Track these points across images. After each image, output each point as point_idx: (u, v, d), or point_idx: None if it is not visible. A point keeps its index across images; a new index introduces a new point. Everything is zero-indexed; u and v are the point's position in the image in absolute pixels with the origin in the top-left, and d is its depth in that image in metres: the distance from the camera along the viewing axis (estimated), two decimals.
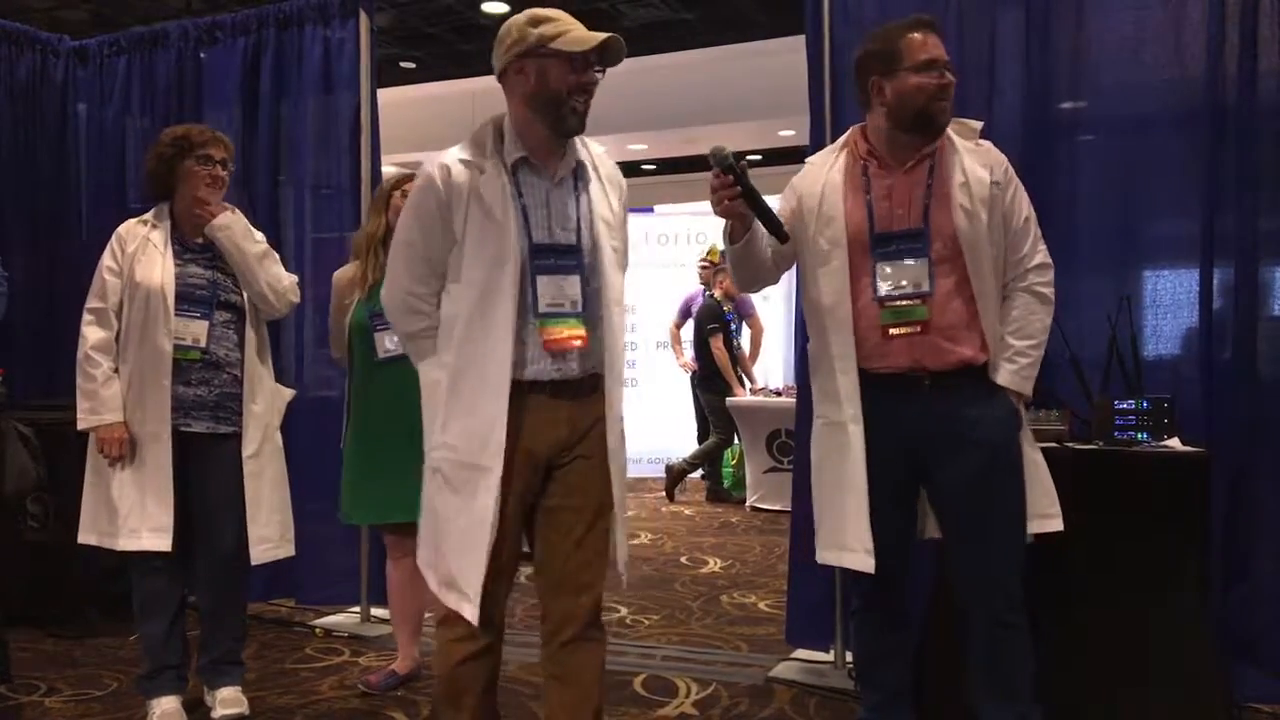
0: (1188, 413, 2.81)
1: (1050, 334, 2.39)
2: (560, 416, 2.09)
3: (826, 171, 2.41)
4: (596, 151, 2.21)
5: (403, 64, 9.32)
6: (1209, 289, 2.89)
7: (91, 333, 2.82)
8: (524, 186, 2.08)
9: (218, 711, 2.89)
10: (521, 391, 2.05)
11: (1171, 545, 2.58)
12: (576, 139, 2.14)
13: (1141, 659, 2.56)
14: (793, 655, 3.40)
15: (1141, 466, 2.63)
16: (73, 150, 4.45)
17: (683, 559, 5.22)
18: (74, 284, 4.33)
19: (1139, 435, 2.70)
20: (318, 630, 3.79)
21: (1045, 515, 2.34)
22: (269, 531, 2.90)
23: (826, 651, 3.33)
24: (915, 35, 2.31)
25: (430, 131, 9.66)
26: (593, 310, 2.10)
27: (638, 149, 10.62)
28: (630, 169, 11.83)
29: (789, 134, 9.10)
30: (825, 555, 2.43)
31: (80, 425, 2.80)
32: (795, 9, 3.43)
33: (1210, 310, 2.89)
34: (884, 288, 2.29)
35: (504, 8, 7.95)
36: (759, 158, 10.53)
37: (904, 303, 2.28)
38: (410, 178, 3.00)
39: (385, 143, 4.04)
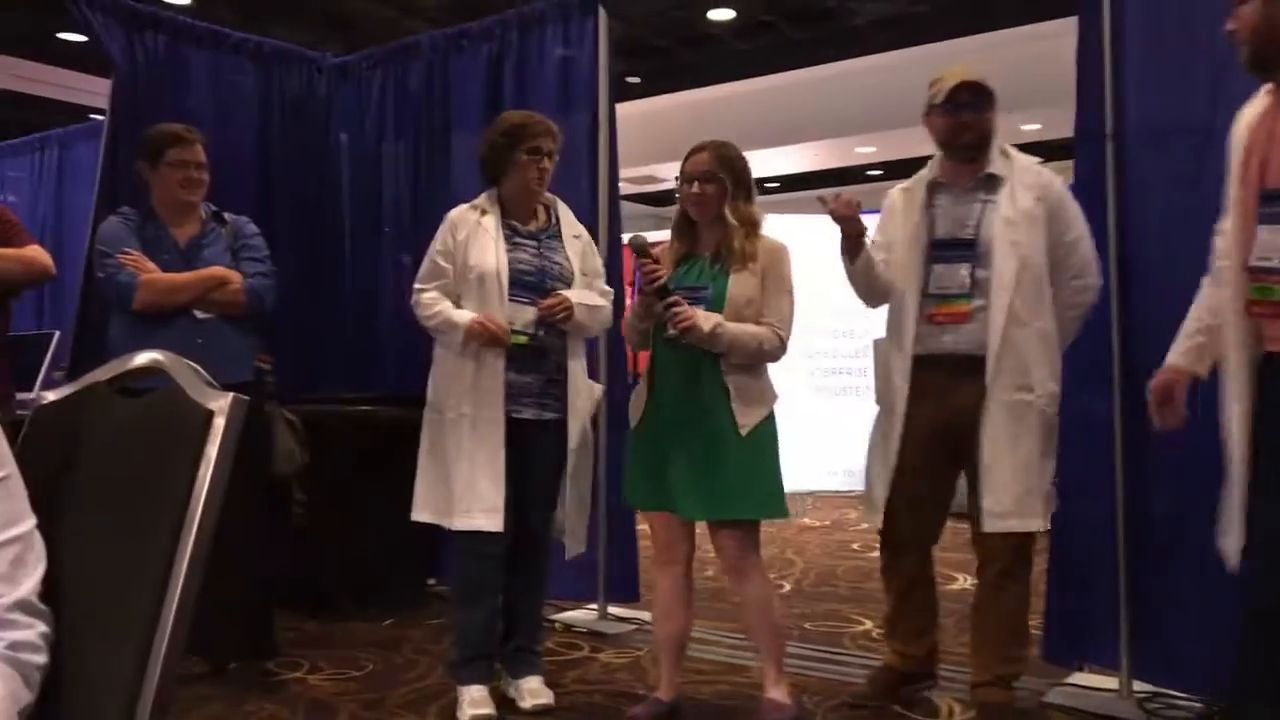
0: None
1: None
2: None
3: None
4: (1022, 164, 2.74)
5: (628, 79, 9.44)
6: None
7: (424, 296, 2.88)
8: (936, 198, 2.79)
9: (526, 701, 2.88)
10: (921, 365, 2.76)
11: None
12: (1000, 156, 2.74)
13: None
14: (1069, 680, 3.06)
15: None
16: (335, 161, 4.71)
17: None
18: (337, 287, 4.63)
19: None
20: (557, 624, 3.78)
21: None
22: (577, 528, 2.94)
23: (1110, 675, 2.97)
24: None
25: (658, 146, 9.76)
26: (981, 292, 2.65)
27: (866, 151, 10.31)
28: (856, 174, 11.52)
29: (1032, 128, 8.54)
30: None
31: (463, 346, 2.81)
32: None
33: None
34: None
35: (730, 14, 7.90)
36: None
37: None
38: (688, 156, 2.79)
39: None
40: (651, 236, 3.01)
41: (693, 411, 2.72)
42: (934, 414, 2.70)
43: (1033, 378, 2.61)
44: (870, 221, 2.75)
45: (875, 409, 2.93)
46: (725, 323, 2.66)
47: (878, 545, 2.99)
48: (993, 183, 2.71)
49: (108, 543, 1.12)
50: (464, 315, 2.80)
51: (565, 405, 2.91)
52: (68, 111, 8.96)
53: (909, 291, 2.73)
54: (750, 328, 2.70)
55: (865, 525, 6.22)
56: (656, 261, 2.70)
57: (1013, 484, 2.59)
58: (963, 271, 2.67)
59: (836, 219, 2.65)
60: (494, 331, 2.77)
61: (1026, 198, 2.66)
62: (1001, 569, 2.67)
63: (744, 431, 2.68)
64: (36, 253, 3.08)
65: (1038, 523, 2.65)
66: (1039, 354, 2.62)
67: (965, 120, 2.70)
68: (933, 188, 2.80)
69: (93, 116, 7.55)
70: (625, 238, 2.85)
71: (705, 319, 2.64)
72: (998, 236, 2.63)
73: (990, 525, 2.60)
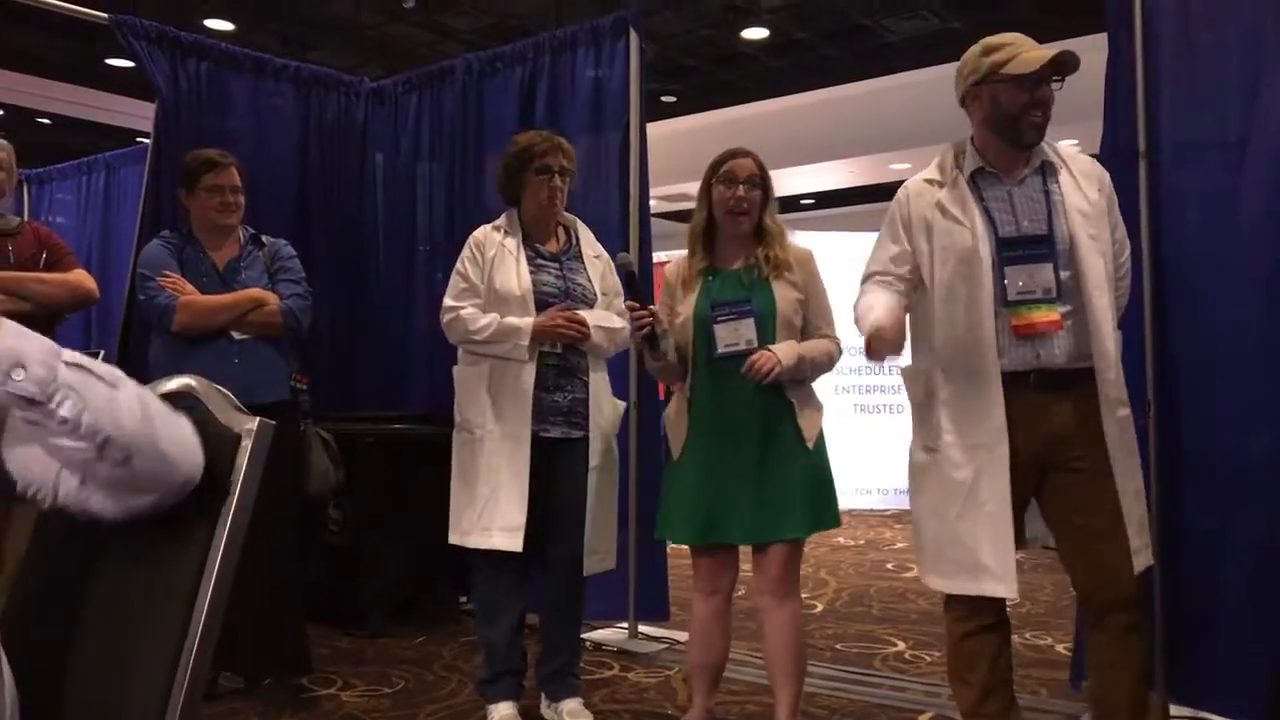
0: None
1: None
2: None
3: None
4: (1069, 152, 2.40)
5: (664, 98, 9.50)
6: None
7: (465, 312, 2.84)
8: (985, 190, 2.35)
9: None
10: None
11: None
12: (1044, 143, 2.36)
13: None
14: None
15: None
16: (370, 183, 4.79)
17: None
18: (373, 308, 4.70)
19: None
20: (587, 644, 3.78)
21: None
22: (599, 544, 2.91)
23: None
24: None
25: (693, 163, 9.80)
26: (1067, 295, 2.28)
27: (900, 168, 10.27)
28: (890, 191, 11.46)
29: (1070, 144, 8.46)
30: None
31: (527, 354, 2.79)
32: (1090, 7, 3.10)
33: None
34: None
35: (764, 32, 7.93)
36: None
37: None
38: (724, 160, 2.68)
39: (651, 175, 4.01)
40: (681, 255, 2.91)
41: (752, 432, 2.60)
42: (1026, 442, 2.29)
43: (1123, 390, 2.33)
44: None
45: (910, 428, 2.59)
46: (798, 346, 2.61)
47: (913, 567, 2.80)
48: (1049, 171, 2.36)
49: (139, 563, 1.15)
50: (524, 320, 2.80)
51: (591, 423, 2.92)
52: (115, 136, 9.20)
53: (980, 300, 2.29)
54: (821, 343, 2.68)
55: (901, 545, 6.20)
56: (645, 306, 2.63)
57: (1134, 514, 2.29)
58: (1047, 273, 2.28)
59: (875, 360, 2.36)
60: (572, 320, 2.78)
61: (1092, 189, 2.34)
62: (1131, 617, 2.29)
63: (811, 444, 2.64)
64: (81, 277, 3.16)
65: (1150, 555, 2.36)
66: (1118, 362, 2.34)
67: (1043, 96, 2.28)
68: (975, 178, 2.38)
69: (139, 140, 7.73)
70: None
71: (785, 354, 2.56)
72: (1079, 232, 2.28)
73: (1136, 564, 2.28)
